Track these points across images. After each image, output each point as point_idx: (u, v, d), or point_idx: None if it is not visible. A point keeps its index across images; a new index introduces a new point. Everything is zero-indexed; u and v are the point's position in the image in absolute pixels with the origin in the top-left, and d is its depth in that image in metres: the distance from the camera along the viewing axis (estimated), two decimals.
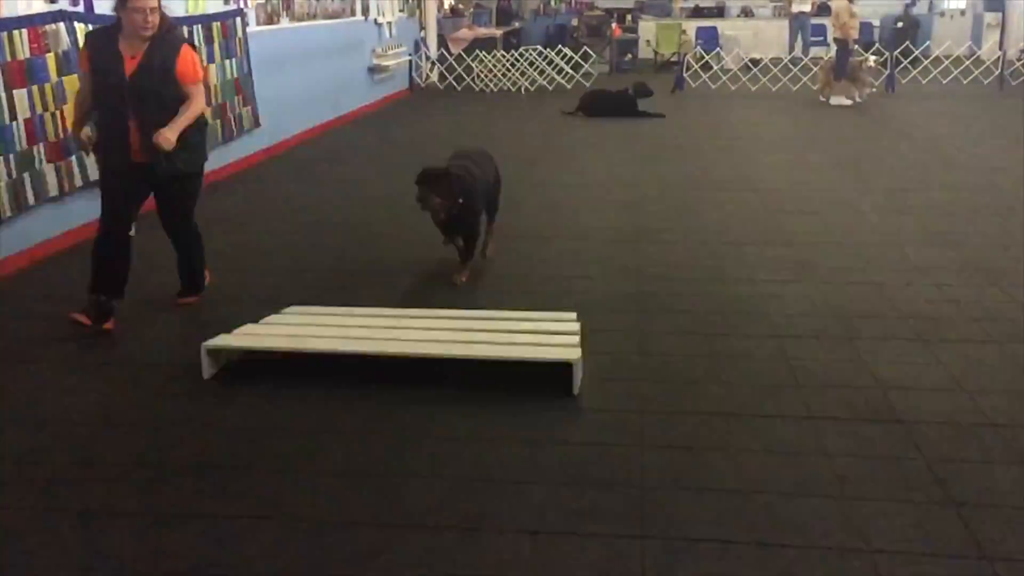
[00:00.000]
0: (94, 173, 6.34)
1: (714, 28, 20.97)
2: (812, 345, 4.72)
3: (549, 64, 16.75)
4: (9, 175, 5.97)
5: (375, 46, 14.38)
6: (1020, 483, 3.40)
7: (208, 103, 8.65)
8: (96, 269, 4.97)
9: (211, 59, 8.81)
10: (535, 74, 16.50)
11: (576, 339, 4.47)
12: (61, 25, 6.46)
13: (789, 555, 2.98)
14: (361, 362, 4.39)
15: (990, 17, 20.28)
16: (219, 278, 5.67)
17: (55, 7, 6.47)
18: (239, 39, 9.45)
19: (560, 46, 17.30)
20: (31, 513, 3.28)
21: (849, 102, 14.07)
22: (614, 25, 20.42)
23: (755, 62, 17.08)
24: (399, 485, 3.43)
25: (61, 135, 6.36)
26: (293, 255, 6.49)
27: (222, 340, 4.49)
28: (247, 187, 8.82)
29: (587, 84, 15.99)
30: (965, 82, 15.98)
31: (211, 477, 3.51)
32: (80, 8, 6.75)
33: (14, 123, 6.01)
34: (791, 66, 16.38)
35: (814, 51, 18.44)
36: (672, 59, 19.37)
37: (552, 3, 24.18)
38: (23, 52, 6.11)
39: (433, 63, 17.01)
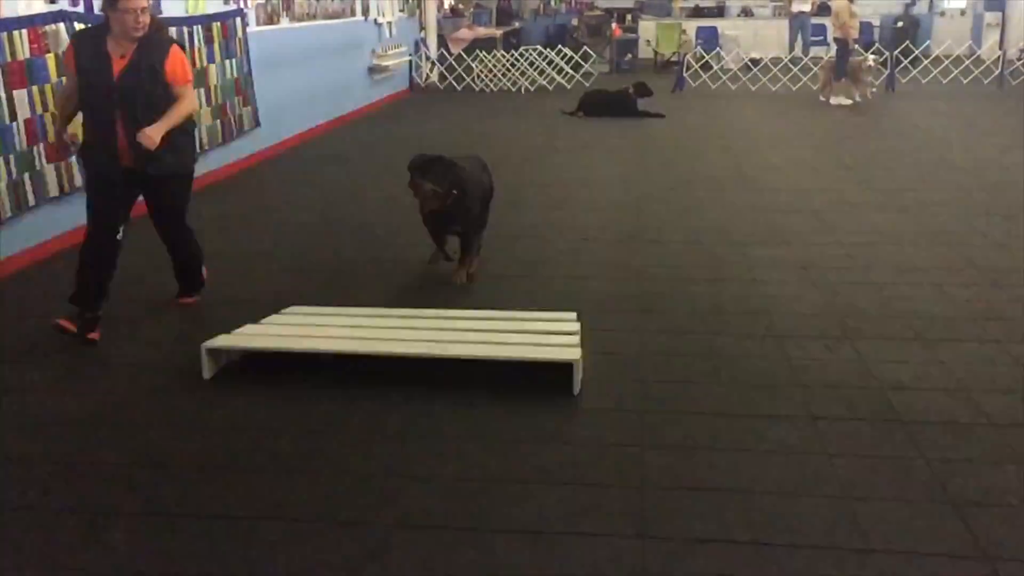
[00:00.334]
0: None
1: (714, 28, 20.97)
2: (812, 345, 4.71)
3: (549, 64, 16.75)
4: (9, 175, 5.97)
5: (375, 46, 14.38)
6: (1021, 483, 3.40)
7: (208, 103, 8.70)
8: (80, 274, 4.85)
9: (211, 59, 8.82)
10: (535, 74, 16.50)
11: (576, 339, 4.47)
12: (61, 25, 6.46)
13: (789, 555, 2.98)
14: (361, 362, 4.39)
15: (990, 17, 20.28)
16: (219, 278, 5.67)
17: (55, 7, 6.48)
18: (239, 39, 9.45)
19: (560, 46, 17.30)
20: (31, 513, 3.27)
21: (849, 102, 14.07)
22: (614, 25, 20.42)
23: (755, 62, 17.09)
24: (399, 485, 3.43)
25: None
26: (293, 255, 6.49)
27: (222, 340, 4.49)
28: (247, 187, 8.82)
29: (587, 84, 15.99)
30: (965, 82, 15.98)
31: (211, 477, 3.51)
32: (80, 8, 6.75)
33: (14, 123, 6.02)
34: (791, 66, 16.38)
35: (814, 51, 18.44)
36: (672, 59, 19.37)
37: (552, 3, 24.20)
38: (23, 52, 6.11)
39: (433, 63, 17.01)
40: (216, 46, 8.92)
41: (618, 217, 7.43)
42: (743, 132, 11.82)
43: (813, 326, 4.97)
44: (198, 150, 8.44)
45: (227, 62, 9.16)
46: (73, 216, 6.53)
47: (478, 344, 4.45)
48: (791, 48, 19.38)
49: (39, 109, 6.23)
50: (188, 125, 5.00)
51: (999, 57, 16.62)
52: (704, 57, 18.59)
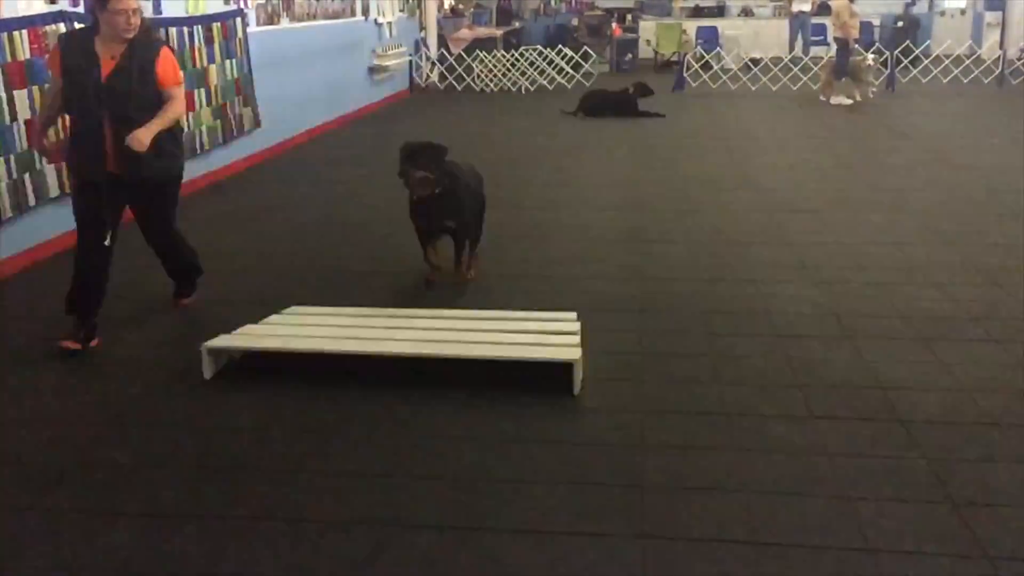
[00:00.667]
0: None
1: (714, 28, 20.96)
2: (812, 345, 4.71)
3: (549, 64, 16.75)
4: (9, 175, 5.98)
5: (375, 46, 14.38)
6: (1021, 482, 3.40)
7: (208, 103, 8.70)
8: (75, 280, 4.75)
9: (211, 59, 8.82)
10: (535, 74, 16.50)
11: (576, 339, 4.47)
12: (61, 25, 6.46)
13: (789, 555, 2.98)
14: (361, 362, 4.39)
15: (990, 16, 20.27)
16: (219, 278, 5.67)
17: (55, 7, 6.48)
18: (239, 39, 9.45)
19: (560, 46, 17.30)
20: (31, 513, 3.28)
21: (850, 101, 14.06)
22: (614, 25, 20.42)
23: (755, 62, 17.08)
24: (399, 485, 3.43)
25: (61, 135, 6.36)
26: (293, 255, 6.49)
27: (222, 340, 4.49)
28: (247, 187, 8.82)
29: (587, 84, 15.99)
30: (965, 81, 15.98)
31: (211, 477, 3.51)
32: (80, 8, 6.75)
33: (15, 124, 6.02)
34: (791, 66, 16.37)
35: (814, 51, 18.44)
36: (672, 59, 19.37)
37: (552, 3, 24.18)
38: (23, 53, 6.11)
39: (433, 63, 17.01)
40: (216, 46, 8.92)
41: (618, 217, 7.43)
42: (743, 132, 11.82)
43: (813, 326, 4.97)
44: (198, 150, 8.53)
45: (227, 62, 9.16)
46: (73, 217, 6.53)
47: (478, 344, 4.45)
48: (791, 48, 19.38)
49: (40, 109, 6.23)
50: (176, 128, 4.89)
51: (999, 57, 16.62)
52: (704, 57, 18.58)
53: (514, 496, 3.34)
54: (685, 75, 16.49)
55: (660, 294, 5.53)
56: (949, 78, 16.17)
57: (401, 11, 15.74)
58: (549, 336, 4.54)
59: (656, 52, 20.08)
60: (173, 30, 8.13)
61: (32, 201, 6.17)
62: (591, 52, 18.45)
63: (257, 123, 9.82)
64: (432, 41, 17.39)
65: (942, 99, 14.55)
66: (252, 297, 5.50)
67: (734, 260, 6.16)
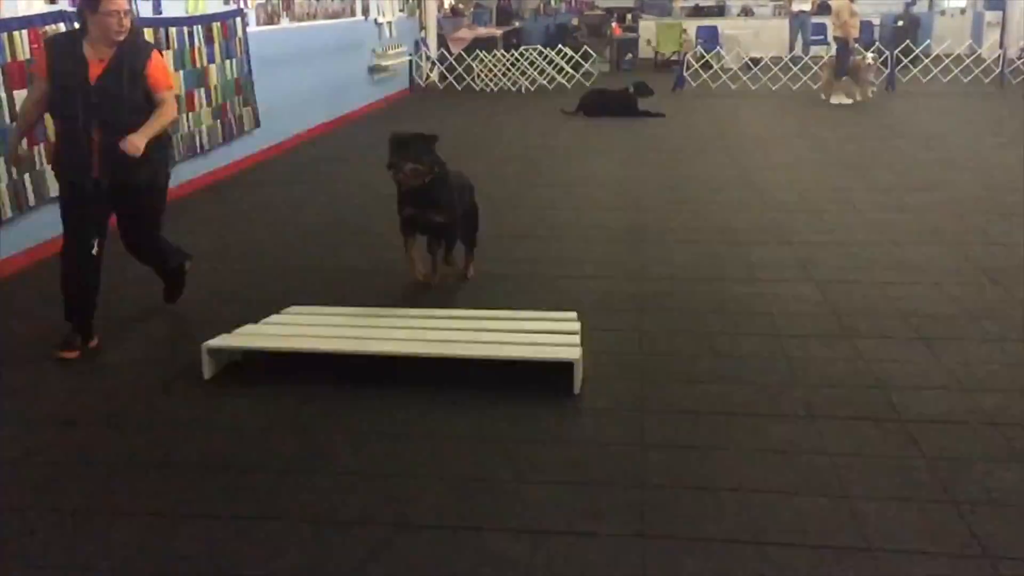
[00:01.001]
0: None
1: (714, 27, 20.97)
2: (812, 344, 4.71)
3: (549, 64, 16.75)
4: (10, 175, 5.97)
5: (375, 46, 14.38)
6: (1021, 481, 3.39)
7: (208, 103, 8.70)
8: (64, 289, 4.68)
9: (211, 59, 8.82)
10: (535, 74, 16.50)
11: (576, 338, 4.46)
12: (61, 25, 6.45)
13: (789, 554, 2.98)
14: (361, 362, 4.39)
15: (990, 15, 20.27)
16: (219, 278, 5.67)
17: (55, 7, 6.47)
18: (239, 39, 9.45)
19: (560, 46, 17.30)
20: (31, 513, 3.27)
21: (850, 101, 14.06)
22: (614, 24, 20.42)
23: (755, 61, 17.08)
24: (399, 485, 3.43)
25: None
26: (293, 255, 6.49)
27: (222, 340, 4.48)
28: (247, 187, 8.82)
29: (587, 83, 15.99)
30: (965, 81, 15.98)
31: (211, 477, 3.51)
32: None
33: (15, 123, 6.00)
34: (791, 65, 16.38)
35: (814, 50, 18.44)
36: (672, 58, 19.37)
37: (552, 2, 24.18)
38: (23, 53, 6.11)
39: (433, 63, 17.01)
40: (216, 46, 8.92)
41: (618, 216, 7.42)
42: (743, 131, 11.82)
43: (813, 325, 4.96)
44: (198, 150, 8.53)
45: (227, 62, 9.16)
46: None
47: (478, 344, 4.44)
48: (791, 47, 19.38)
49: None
50: (163, 135, 4.78)
51: (999, 56, 16.61)
52: (704, 56, 18.58)
53: (514, 496, 3.34)
54: (685, 75, 16.49)
55: (660, 293, 5.53)
56: (949, 78, 16.17)
57: (401, 11, 15.74)
58: (549, 336, 4.54)
59: (656, 52, 20.09)
60: (173, 30, 8.14)
61: (32, 201, 6.16)
62: (591, 52, 18.45)
63: (257, 123, 9.82)
64: (432, 41, 17.40)
65: (942, 99, 14.55)
66: (252, 297, 5.50)
67: (734, 260, 6.16)
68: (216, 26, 8.93)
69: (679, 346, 4.73)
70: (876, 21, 20.72)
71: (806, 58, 16.96)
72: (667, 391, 4.20)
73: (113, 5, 4.43)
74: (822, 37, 19.17)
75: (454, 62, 16.62)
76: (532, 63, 16.56)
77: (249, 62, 9.66)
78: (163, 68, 4.76)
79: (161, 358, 4.66)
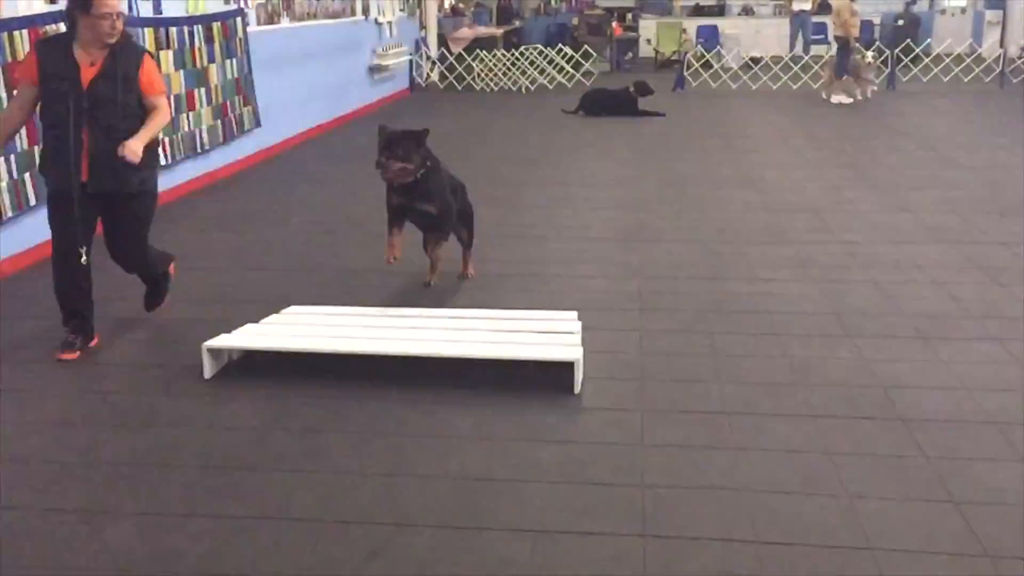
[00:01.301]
0: None
1: (714, 27, 20.96)
2: (813, 343, 4.71)
3: (549, 63, 16.75)
4: (10, 175, 5.97)
5: (375, 46, 14.38)
6: (1021, 481, 3.39)
7: (208, 102, 8.70)
8: (57, 295, 4.64)
9: (211, 59, 8.82)
10: (535, 73, 16.50)
11: (577, 338, 4.46)
12: (61, 25, 6.43)
13: (790, 553, 2.98)
14: (361, 362, 4.39)
15: (991, 15, 20.25)
16: (219, 278, 5.67)
17: (55, 7, 6.47)
18: (239, 39, 9.45)
19: (560, 45, 17.29)
20: (31, 513, 3.27)
21: (850, 100, 14.06)
22: (614, 24, 20.41)
23: (756, 60, 17.08)
24: (399, 485, 3.43)
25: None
26: (293, 255, 6.48)
27: (222, 340, 4.49)
28: (247, 187, 8.82)
29: (587, 83, 15.98)
30: (966, 80, 15.97)
31: (211, 477, 3.51)
32: None
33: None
34: (792, 64, 16.37)
35: (815, 49, 18.43)
36: (673, 58, 19.36)
37: (552, 2, 24.17)
38: (24, 52, 6.10)
39: (433, 63, 17.01)
40: (216, 46, 8.92)
41: (618, 216, 7.42)
42: (743, 131, 11.81)
43: (813, 324, 4.96)
44: (198, 150, 8.54)
45: (227, 62, 9.16)
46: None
47: (478, 344, 4.44)
48: (792, 47, 19.36)
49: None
50: (153, 141, 4.65)
51: (1000, 55, 16.60)
52: (705, 56, 18.58)
53: (514, 496, 3.34)
54: (685, 74, 16.48)
55: (660, 293, 5.52)
56: (949, 77, 16.16)
57: (401, 10, 15.74)
58: (549, 335, 4.54)
59: (656, 51, 20.07)
60: (173, 30, 8.14)
61: (32, 200, 6.16)
62: (591, 51, 18.45)
63: (257, 123, 9.83)
64: (432, 40, 17.39)
65: (942, 98, 14.54)
66: (252, 297, 5.50)
67: (734, 259, 6.16)
68: (216, 26, 8.93)
69: (680, 345, 4.73)
70: (876, 20, 20.71)
71: (806, 57, 16.95)
72: (667, 390, 4.20)
73: (106, 7, 4.35)
74: (822, 36, 19.16)
75: (454, 62, 16.61)
76: (532, 63, 16.56)
77: (249, 62, 9.66)
78: (155, 72, 4.68)
79: (161, 358, 4.66)
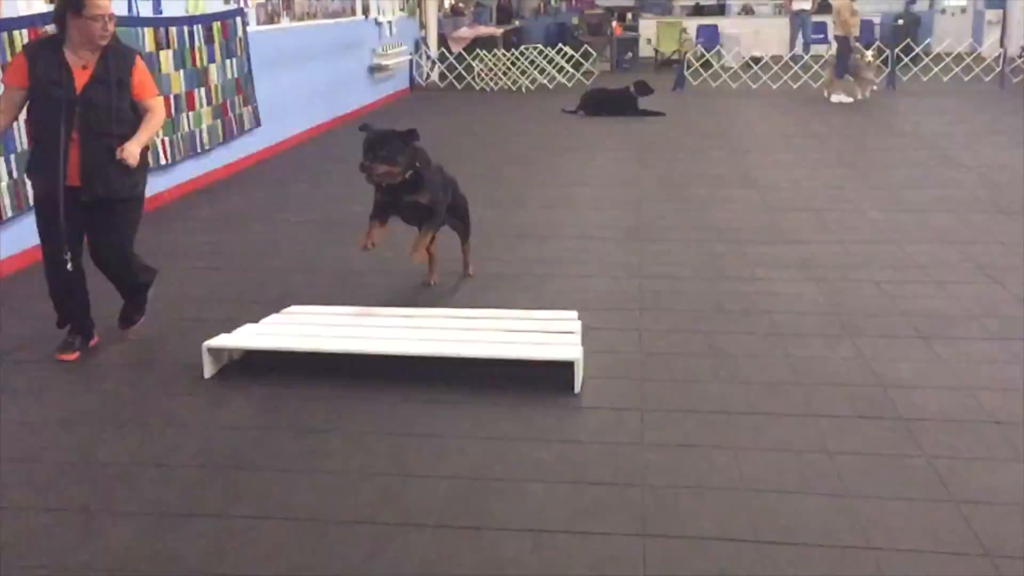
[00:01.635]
0: None
1: (715, 26, 20.95)
2: (813, 343, 4.71)
3: (550, 63, 16.74)
4: (10, 175, 5.97)
5: (375, 45, 14.38)
6: (1021, 480, 3.39)
7: (209, 102, 8.70)
8: (52, 299, 4.61)
9: (211, 59, 8.82)
10: (536, 73, 16.50)
11: (577, 338, 4.46)
12: None
13: (790, 553, 2.98)
14: (361, 362, 4.39)
15: (991, 14, 20.23)
16: (219, 278, 5.67)
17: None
18: (239, 39, 9.45)
19: (561, 45, 17.29)
20: (31, 513, 3.27)
21: (850, 100, 14.05)
22: (615, 23, 20.41)
23: (756, 60, 17.07)
24: (399, 485, 3.43)
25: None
26: (293, 255, 6.48)
27: (222, 340, 4.48)
28: (247, 187, 8.82)
29: (588, 83, 15.98)
30: (966, 80, 15.96)
31: (211, 477, 3.51)
32: None
33: (15, 123, 6.00)
34: (792, 64, 16.36)
35: (815, 49, 18.43)
36: (673, 57, 19.35)
37: (552, 2, 24.16)
38: None
39: (434, 62, 17.01)
40: (216, 46, 8.92)
41: (619, 215, 7.42)
42: (744, 130, 11.81)
43: (814, 324, 4.96)
44: (199, 149, 8.53)
45: (227, 62, 9.16)
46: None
47: (478, 343, 4.44)
48: (792, 46, 19.36)
49: None
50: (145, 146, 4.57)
51: (1000, 55, 16.59)
52: (705, 55, 18.57)
53: (514, 495, 3.34)
54: (685, 74, 16.48)
55: (660, 293, 5.52)
56: (950, 76, 16.15)
57: (401, 10, 15.74)
58: (550, 335, 4.54)
59: (656, 51, 20.06)
60: (173, 30, 8.14)
61: (32, 200, 6.15)
62: (591, 51, 18.44)
63: (257, 122, 9.83)
64: (432, 40, 17.39)
65: (943, 97, 14.54)
66: (252, 297, 5.50)
67: (734, 258, 6.16)
68: (216, 25, 8.93)
69: (680, 344, 4.73)
70: (877, 20, 20.69)
71: (806, 57, 16.95)
72: (667, 390, 4.20)
73: (98, 9, 4.27)
74: (823, 36, 19.16)
75: (454, 61, 16.61)
76: (532, 62, 16.56)
77: (249, 61, 9.66)
78: (148, 74, 4.62)
79: (161, 358, 4.65)
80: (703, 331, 4.90)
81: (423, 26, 17.07)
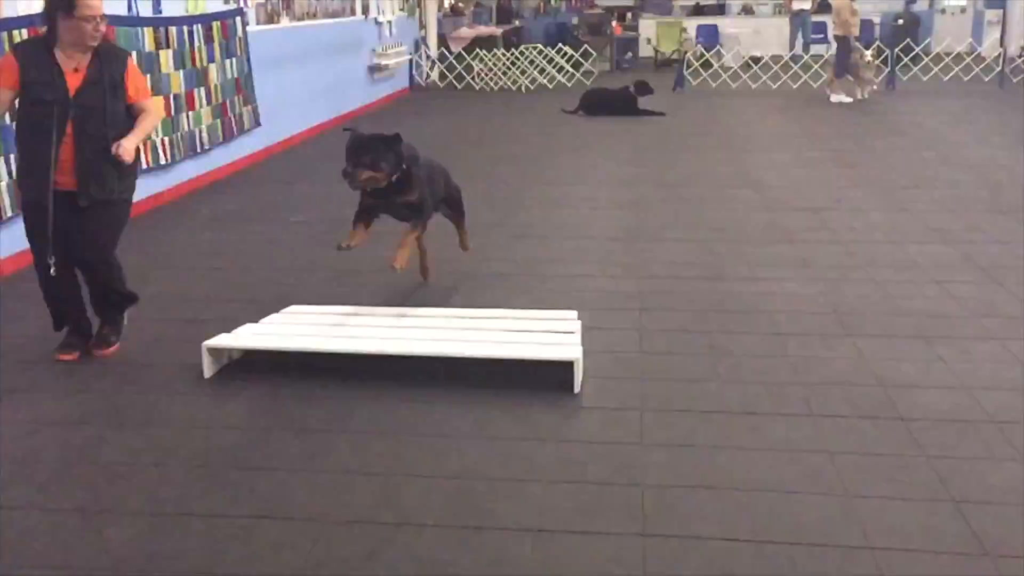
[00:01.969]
0: None
1: (714, 26, 20.97)
2: (813, 342, 4.71)
3: (549, 63, 16.75)
4: (10, 175, 5.97)
5: (375, 45, 14.38)
6: (1021, 480, 3.39)
7: (208, 102, 8.70)
8: (47, 303, 4.59)
9: (211, 58, 8.82)
10: (535, 73, 16.50)
11: (577, 337, 4.46)
12: None
13: (790, 553, 2.98)
14: (361, 362, 4.39)
15: (991, 14, 20.25)
16: (219, 278, 5.67)
17: None
18: (239, 39, 9.45)
19: (560, 44, 17.29)
20: (31, 512, 3.27)
21: (850, 100, 14.05)
22: (614, 23, 20.41)
23: (755, 60, 17.07)
24: (399, 485, 3.43)
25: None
26: (293, 255, 6.48)
27: (222, 339, 4.48)
28: (247, 187, 8.82)
29: (587, 82, 15.98)
30: (966, 79, 15.96)
31: (211, 477, 3.51)
32: None
33: (15, 123, 6.00)
34: (792, 64, 16.36)
35: (815, 48, 18.43)
36: (672, 57, 19.34)
37: (552, 1, 24.16)
38: None
39: (433, 62, 17.01)
40: (216, 45, 8.92)
41: (618, 215, 7.42)
42: (743, 130, 11.81)
43: (813, 324, 4.96)
44: (198, 149, 8.54)
45: (227, 61, 9.16)
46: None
47: (478, 343, 4.44)
48: (792, 46, 19.37)
49: None
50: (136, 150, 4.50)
51: (1000, 55, 16.60)
52: (704, 55, 18.57)
53: (514, 495, 3.34)
54: (685, 73, 16.47)
55: (660, 293, 5.52)
56: (949, 76, 16.15)
57: (401, 10, 15.74)
58: (549, 335, 4.54)
59: (656, 50, 20.06)
60: (173, 29, 8.14)
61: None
62: (591, 50, 18.44)
63: (257, 122, 9.83)
64: (432, 40, 17.40)
65: (942, 97, 14.54)
66: (252, 297, 5.50)
67: (734, 258, 6.16)
68: (216, 25, 8.93)
69: (680, 344, 4.73)
70: (876, 19, 20.70)
71: (806, 56, 16.95)
72: (667, 391, 4.19)
73: (90, 9, 4.19)
74: (822, 36, 19.16)
75: (454, 61, 16.61)
76: (532, 62, 16.56)
77: (249, 61, 9.66)
78: (140, 76, 4.60)
79: (161, 358, 4.65)
80: (703, 331, 4.90)
81: (423, 26, 17.08)
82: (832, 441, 3.69)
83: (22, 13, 6.17)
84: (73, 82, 4.27)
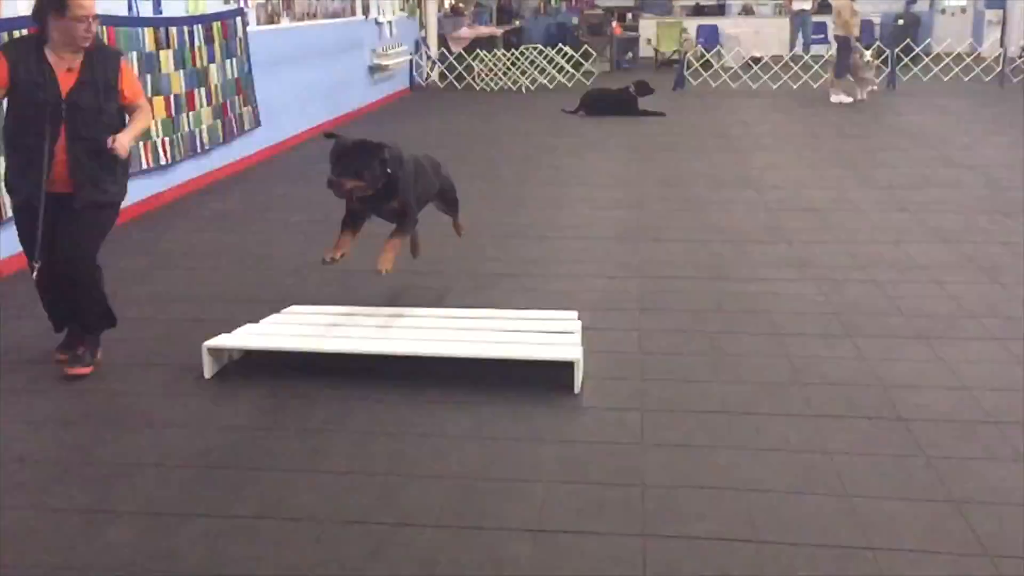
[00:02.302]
0: None
1: (715, 26, 20.96)
2: (813, 343, 4.71)
3: (550, 63, 16.74)
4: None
5: (375, 45, 14.38)
6: (1021, 480, 3.39)
7: (209, 102, 8.70)
8: (43, 306, 4.56)
9: (211, 58, 8.82)
10: (536, 73, 16.50)
11: (577, 338, 4.46)
12: None
13: (790, 553, 2.98)
14: (361, 362, 4.39)
15: (991, 14, 20.24)
16: (219, 278, 5.66)
17: None
18: (239, 39, 9.45)
19: (561, 45, 17.29)
20: (31, 513, 3.27)
21: (850, 100, 14.05)
22: (615, 23, 20.41)
23: (756, 60, 17.06)
24: (399, 485, 3.43)
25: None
26: (293, 255, 6.48)
27: (222, 340, 4.49)
28: (247, 187, 8.82)
29: (588, 83, 15.98)
30: (966, 80, 15.96)
31: (211, 477, 3.51)
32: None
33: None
34: (792, 64, 16.36)
35: (815, 49, 18.42)
36: (673, 57, 19.34)
37: (552, 2, 24.17)
38: None
39: (433, 62, 17.01)
40: (216, 46, 8.92)
41: (619, 216, 7.42)
42: (744, 130, 11.81)
43: (814, 324, 4.96)
44: (198, 149, 8.54)
45: (227, 62, 9.16)
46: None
47: (478, 343, 4.44)
48: (792, 46, 19.37)
49: None
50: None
51: (1000, 55, 16.59)
52: (705, 55, 18.57)
53: (514, 495, 3.34)
54: (685, 74, 16.47)
55: (660, 293, 5.52)
56: (950, 76, 16.15)
57: (401, 10, 15.74)
58: (549, 335, 4.54)
59: (656, 51, 20.06)
60: (173, 29, 8.14)
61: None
62: (591, 51, 18.44)
63: (257, 122, 9.83)
64: (432, 40, 17.39)
65: (943, 98, 14.53)
66: (252, 297, 5.50)
67: (734, 258, 6.16)
68: (216, 25, 8.93)
69: (680, 344, 4.73)
70: (877, 20, 20.70)
71: (807, 57, 16.95)
72: (667, 390, 4.20)
73: (82, 9, 4.12)
74: (823, 36, 19.16)
75: (454, 61, 16.61)
76: (532, 62, 16.56)
77: (249, 61, 9.66)
78: (134, 77, 4.55)
79: (161, 358, 4.65)
80: (703, 331, 4.90)
81: (423, 26, 17.08)
82: (832, 441, 3.69)
83: (22, 13, 6.17)
84: (65, 83, 4.20)
